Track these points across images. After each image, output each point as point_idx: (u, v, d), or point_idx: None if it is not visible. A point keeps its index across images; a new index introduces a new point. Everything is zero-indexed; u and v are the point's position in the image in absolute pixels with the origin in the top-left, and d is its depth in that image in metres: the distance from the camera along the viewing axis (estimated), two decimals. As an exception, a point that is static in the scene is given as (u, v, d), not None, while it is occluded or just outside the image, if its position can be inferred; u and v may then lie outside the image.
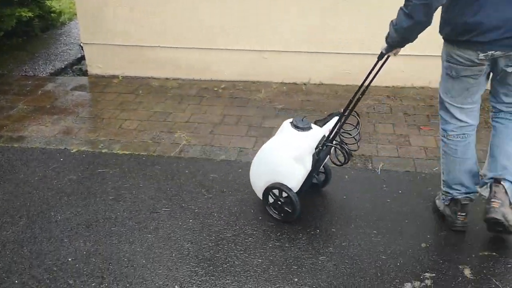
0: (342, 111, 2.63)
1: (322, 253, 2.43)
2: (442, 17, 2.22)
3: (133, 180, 3.08)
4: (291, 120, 2.64)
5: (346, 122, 2.62)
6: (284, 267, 2.36)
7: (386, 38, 2.26)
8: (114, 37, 4.61)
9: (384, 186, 2.94)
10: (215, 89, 4.44)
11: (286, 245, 2.50)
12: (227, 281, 2.29)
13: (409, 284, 2.22)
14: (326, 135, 2.58)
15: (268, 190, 2.63)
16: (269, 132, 3.62)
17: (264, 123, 3.80)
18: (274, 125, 3.73)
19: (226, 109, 4.04)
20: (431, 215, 2.67)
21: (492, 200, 2.23)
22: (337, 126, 2.60)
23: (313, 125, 2.63)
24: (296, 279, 2.28)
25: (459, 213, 2.44)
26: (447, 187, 2.49)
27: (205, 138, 3.58)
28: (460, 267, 2.31)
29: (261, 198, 2.70)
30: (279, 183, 2.58)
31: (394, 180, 2.99)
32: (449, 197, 2.49)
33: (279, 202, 2.61)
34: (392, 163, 3.18)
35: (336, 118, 2.64)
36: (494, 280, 2.22)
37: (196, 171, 3.17)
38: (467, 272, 2.28)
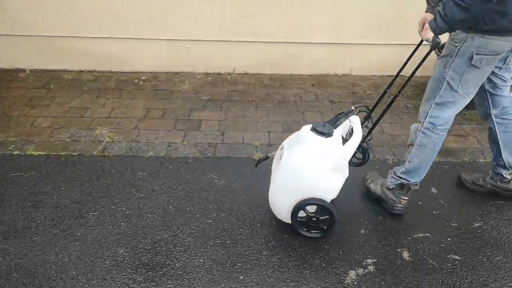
0: (354, 108, 2.48)
1: (265, 248, 2.37)
2: (492, 10, 2.08)
3: (52, 183, 2.81)
4: (309, 127, 2.30)
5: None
6: (228, 265, 2.27)
7: (432, 27, 2.11)
8: (19, 27, 4.18)
9: (319, 174, 2.94)
10: (136, 81, 4.21)
11: (228, 242, 2.41)
12: (168, 286, 2.15)
13: (353, 271, 2.24)
14: (350, 136, 2.37)
15: (300, 208, 2.33)
16: (198, 125, 3.50)
17: (192, 115, 3.65)
18: (202, 117, 3.61)
19: (150, 102, 3.84)
20: (366, 201, 2.71)
21: None
22: (371, 126, 2.50)
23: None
24: (241, 277, 2.20)
25: (403, 197, 2.52)
26: (406, 175, 2.52)
27: (130, 134, 3.37)
28: (399, 250, 2.36)
29: (286, 219, 2.42)
30: (317, 198, 2.30)
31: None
32: (399, 182, 2.54)
33: (314, 219, 2.35)
34: (324, 151, 3.19)
35: (356, 118, 2.44)
36: (430, 260, 2.30)
37: (123, 169, 2.97)
38: (405, 255, 2.34)
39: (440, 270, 2.24)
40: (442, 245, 2.40)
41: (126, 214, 2.59)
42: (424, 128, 2.42)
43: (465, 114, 3.71)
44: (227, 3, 4.10)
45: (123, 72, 4.34)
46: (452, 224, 2.54)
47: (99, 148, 3.18)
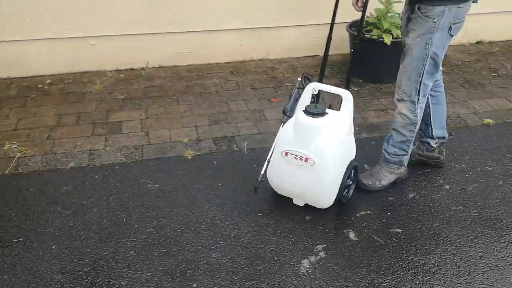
0: (301, 79, 2.58)
1: (214, 250, 2.29)
2: None
3: (-38, 212, 2.49)
4: (309, 119, 2.31)
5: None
6: (178, 274, 2.16)
7: None
8: None
9: (255, 165, 2.90)
10: (40, 86, 3.85)
11: (174, 249, 2.29)
12: (118, 308, 2.00)
13: (306, 260, 2.23)
14: None
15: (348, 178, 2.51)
16: (118, 127, 3.28)
17: (110, 117, 3.42)
18: (121, 118, 3.40)
19: (60, 108, 3.53)
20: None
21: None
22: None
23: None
24: (195, 285, 2.11)
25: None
26: (412, 146, 2.67)
27: (44, 146, 3.08)
28: (345, 231, 2.40)
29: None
30: (353, 163, 2.53)
31: (262, 158, 2.94)
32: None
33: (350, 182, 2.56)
34: (256, 141, 3.15)
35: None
36: (375, 237, 2.36)
37: (43, 186, 2.71)
38: (352, 235, 2.38)
39: (386, 245, 2.31)
40: (384, 220, 2.47)
41: (55, 236, 2.36)
42: (420, 104, 2.48)
43: (381, 88, 3.86)
44: (133, -6, 3.87)
45: (24, 78, 3.95)
46: (389, 199, 2.62)
47: (11, 166, 2.87)
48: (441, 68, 2.54)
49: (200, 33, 4.14)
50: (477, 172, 2.82)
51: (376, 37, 3.72)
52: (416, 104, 2.46)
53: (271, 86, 3.90)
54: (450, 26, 2.28)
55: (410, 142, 2.58)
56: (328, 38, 2.79)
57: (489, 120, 3.36)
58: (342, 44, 4.39)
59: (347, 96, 2.45)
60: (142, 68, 4.16)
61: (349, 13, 4.13)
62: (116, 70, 4.12)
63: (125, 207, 2.55)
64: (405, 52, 2.41)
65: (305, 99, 2.58)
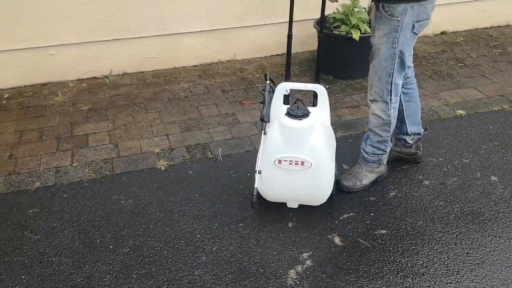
0: (269, 82, 2.49)
1: (196, 266, 2.19)
2: None
3: None
4: (294, 122, 2.24)
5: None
6: (160, 297, 2.05)
7: None
8: None
9: (232, 172, 2.81)
10: (-3, 101, 3.64)
11: (153, 269, 2.18)
12: (99, 338, 1.88)
13: (293, 270, 2.16)
14: None
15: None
16: (85, 141, 3.12)
17: (75, 130, 3.25)
18: (87, 130, 3.24)
19: (21, 124, 3.34)
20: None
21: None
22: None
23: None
24: (179, 307, 2.00)
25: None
26: (390, 145, 2.61)
27: (6, 166, 2.90)
28: (330, 236, 2.34)
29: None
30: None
31: (238, 164, 2.88)
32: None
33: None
34: (230, 146, 3.06)
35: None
36: (361, 240, 2.31)
37: (8, 210, 2.54)
38: (337, 240, 2.32)
39: (372, 248, 2.26)
40: (368, 221, 2.42)
41: (25, 264, 2.21)
42: (393, 104, 2.44)
43: (352, 84, 3.82)
44: (94, 0, 3.69)
45: (-21, 93, 3.73)
46: (371, 198, 2.58)
47: (-29, 190, 2.68)
48: (411, 65, 2.53)
49: (164, 37, 4.01)
50: (455, 166, 2.81)
51: (345, 33, 3.67)
52: (389, 104, 2.42)
53: (242, 88, 3.80)
54: (414, 24, 2.24)
55: (387, 141, 2.55)
56: (288, 35, 2.73)
57: (461, 111, 3.37)
58: (310, 41, 4.34)
59: (321, 90, 2.44)
60: (106, 76, 3.99)
61: (316, 10, 4.09)
62: (78, 80, 3.94)
63: (98, 227, 2.42)
64: (373, 52, 2.37)
65: (278, 100, 2.51)
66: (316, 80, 2.67)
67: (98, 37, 3.84)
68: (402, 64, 2.35)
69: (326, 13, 4.01)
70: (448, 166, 2.80)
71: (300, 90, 3.03)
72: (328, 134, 2.43)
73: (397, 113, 2.49)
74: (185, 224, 2.43)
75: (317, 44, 4.12)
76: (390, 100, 2.41)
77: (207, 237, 2.35)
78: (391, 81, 2.36)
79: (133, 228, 2.41)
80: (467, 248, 2.24)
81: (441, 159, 2.87)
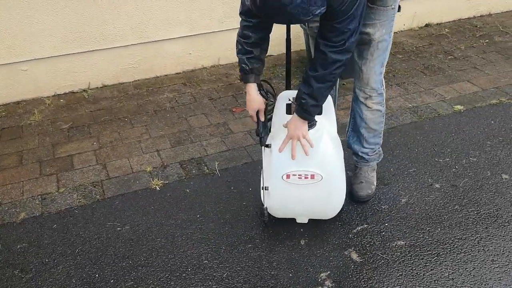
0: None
1: (208, 297, 2.02)
2: None
3: None
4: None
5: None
6: (174, 335, 1.87)
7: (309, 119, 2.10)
8: None
9: (232, 188, 2.64)
10: (-32, 123, 3.38)
11: (162, 304, 2.00)
12: None
13: (313, 293, 2.02)
14: None
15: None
16: (70, 163, 2.90)
17: (57, 151, 3.03)
18: (71, 151, 3.02)
19: (-3, 147, 3.10)
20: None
21: None
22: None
23: None
24: None
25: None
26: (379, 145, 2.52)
27: (-15, 196, 2.66)
28: (346, 252, 2.21)
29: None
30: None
31: (238, 178, 2.72)
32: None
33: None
34: (227, 159, 2.89)
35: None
36: (379, 254, 2.19)
37: (-8, 247, 2.32)
38: (354, 256, 2.19)
39: (393, 262, 2.14)
40: (383, 233, 2.30)
41: (17, 309, 2.00)
42: (383, 94, 2.34)
43: (344, 84, 3.70)
44: (66, 10, 3.46)
45: None
46: (382, 207, 2.46)
47: (-51, 227, 2.44)
48: None
49: (144, 45, 3.80)
50: (463, 165, 2.71)
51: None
52: (383, 95, 2.35)
53: (230, 95, 3.63)
54: (399, 5, 2.15)
55: (381, 133, 2.48)
56: (287, 40, 2.57)
57: (459, 107, 3.28)
58: (296, 41, 4.19)
59: (328, 99, 2.28)
60: (84, 90, 3.76)
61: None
62: (54, 96, 3.70)
63: (95, 260, 2.22)
64: (372, 47, 2.17)
65: (280, 110, 2.36)
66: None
67: (73, 49, 3.61)
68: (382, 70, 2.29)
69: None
70: (457, 167, 2.71)
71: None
72: (336, 143, 2.29)
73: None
74: (190, 249, 2.26)
75: (304, 44, 4.03)
76: (383, 90, 2.34)
77: (215, 262, 2.18)
78: (382, 71, 2.28)
79: (133, 258, 2.23)
80: (491, 255, 2.14)
81: (447, 159, 2.78)
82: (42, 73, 3.61)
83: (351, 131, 2.53)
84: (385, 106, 2.39)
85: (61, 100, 3.64)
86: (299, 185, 2.15)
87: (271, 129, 2.37)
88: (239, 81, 3.83)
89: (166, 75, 3.97)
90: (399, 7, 2.17)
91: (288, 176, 2.14)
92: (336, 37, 1.86)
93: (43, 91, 3.67)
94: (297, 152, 2.11)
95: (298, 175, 2.13)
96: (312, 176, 2.12)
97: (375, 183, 2.52)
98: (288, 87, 2.41)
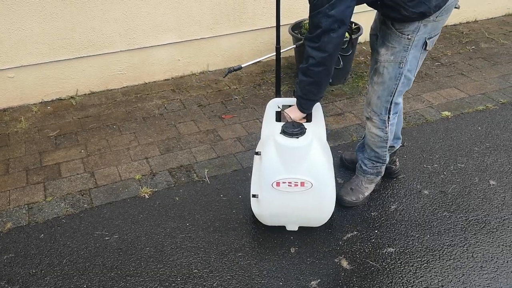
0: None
1: (198, 307, 2.00)
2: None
3: None
4: (292, 141, 2.08)
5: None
6: None
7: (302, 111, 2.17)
8: None
9: (222, 195, 2.63)
10: (-47, 131, 3.33)
11: (152, 315, 1.98)
12: None
13: (303, 302, 2.01)
14: None
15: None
16: (57, 171, 2.87)
17: (45, 160, 2.99)
18: (58, 159, 2.98)
19: (-17, 156, 3.05)
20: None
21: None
22: None
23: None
24: None
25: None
26: (387, 155, 2.46)
27: (-30, 206, 2.62)
28: (336, 260, 2.20)
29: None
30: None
31: (227, 186, 2.71)
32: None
33: None
34: (216, 166, 2.88)
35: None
36: (370, 262, 2.19)
37: (-22, 258, 2.28)
38: (344, 263, 2.19)
39: (383, 270, 2.14)
40: (373, 240, 2.30)
41: (4, 321, 1.97)
42: (391, 122, 2.29)
43: (332, 90, 3.72)
44: (54, 16, 3.43)
45: None
46: (372, 214, 2.46)
47: None
48: None
49: (132, 52, 3.78)
50: (451, 172, 2.73)
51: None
52: (387, 122, 2.28)
53: (219, 102, 3.63)
54: (425, 42, 2.06)
55: (386, 154, 2.42)
56: (276, 48, 2.58)
57: (447, 113, 3.31)
58: (284, 47, 4.20)
59: (317, 106, 2.29)
60: (72, 97, 3.73)
61: (291, 15, 3.97)
62: (41, 103, 3.66)
63: (83, 271, 2.19)
64: (377, 69, 2.18)
65: (270, 117, 2.37)
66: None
67: (60, 56, 3.58)
68: (409, 83, 2.20)
69: (299, 18, 3.93)
70: (445, 173, 2.73)
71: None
72: (326, 150, 2.29)
73: (394, 128, 2.37)
74: (180, 258, 2.24)
75: (293, 51, 4.04)
76: (388, 118, 2.27)
77: (205, 271, 2.17)
78: (391, 100, 2.21)
79: (122, 268, 2.20)
80: (480, 261, 2.15)
81: (436, 165, 2.79)
82: (29, 80, 3.58)
83: (362, 139, 2.54)
84: (388, 134, 2.32)
85: (49, 107, 3.61)
86: (289, 192, 2.14)
87: (261, 137, 2.37)
88: (228, 87, 3.83)
89: (154, 82, 3.95)
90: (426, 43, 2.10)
91: (278, 184, 2.13)
92: (311, 29, 1.90)
93: (30, 98, 3.63)
94: (286, 160, 2.11)
95: (288, 182, 2.13)
96: (302, 184, 2.12)
97: (365, 194, 2.50)
98: (278, 94, 2.41)
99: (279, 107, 2.35)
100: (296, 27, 3.81)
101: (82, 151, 3.07)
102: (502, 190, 2.56)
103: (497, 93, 3.56)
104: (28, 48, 3.46)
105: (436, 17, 2.00)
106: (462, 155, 2.87)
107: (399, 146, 2.59)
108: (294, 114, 2.17)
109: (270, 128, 2.32)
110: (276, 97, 2.41)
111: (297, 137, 2.10)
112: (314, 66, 1.95)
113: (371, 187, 2.52)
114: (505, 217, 2.38)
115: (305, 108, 2.16)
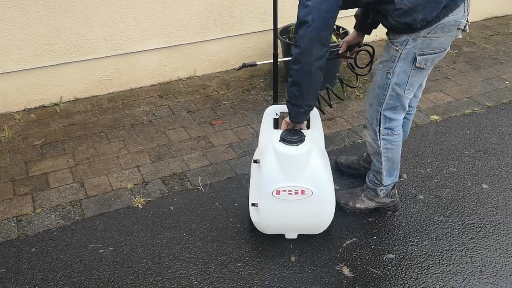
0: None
1: (201, 320, 1.96)
2: (405, 10, 1.89)
3: None
4: (290, 149, 2.06)
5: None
6: None
7: (294, 121, 2.11)
8: None
9: (217, 203, 2.60)
10: None
11: (154, 330, 1.93)
12: None
13: (307, 311, 1.99)
14: None
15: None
16: (45, 181, 2.79)
17: (31, 170, 2.90)
18: (45, 169, 2.90)
19: (-35, 166, 2.94)
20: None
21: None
22: None
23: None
24: None
25: (395, 193, 2.49)
26: (388, 179, 2.37)
27: (-45, 220, 2.52)
28: (337, 268, 2.19)
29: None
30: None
31: (222, 194, 2.67)
32: (390, 186, 2.42)
33: None
34: (210, 174, 2.84)
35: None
36: (371, 269, 2.19)
37: (-34, 275, 2.18)
38: (346, 271, 2.18)
39: (385, 277, 2.14)
40: (372, 246, 2.30)
41: None
42: (383, 136, 2.24)
43: (321, 95, 3.71)
44: (37, 21, 3.33)
45: None
46: (369, 220, 2.47)
47: None
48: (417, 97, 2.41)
49: (118, 57, 3.71)
50: (444, 176, 2.76)
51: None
52: (377, 134, 2.25)
53: (208, 107, 3.59)
54: (415, 57, 2.00)
55: (382, 174, 2.36)
56: (274, 55, 2.57)
57: (435, 117, 3.35)
58: (272, 51, 4.19)
59: (314, 112, 2.27)
60: (56, 104, 3.63)
61: (279, 19, 3.95)
62: (25, 110, 3.56)
63: (78, 285, 2.13)
64: (371, 76, 2.22)
65: (268, 124, 2.35)
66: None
67: (44, 62, 3.48)
68: (398, 99, 2.12)
69: (287, 22, 3.92)
70: (438, 177, 2.75)
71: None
72: (324, 157, 2.28)
73: (395, 147, 2.28)
74: (178, 270, 2.20)
75: (282, 55, 4.04)
76: (379, 130, 2.24)
77: (205, 283, 2.13)
78: (380, 112, 2.18)
79: (119, 281, 2.15)
80: (479, 265, 2.17)
81: (429, 169, 2.82)
82: (11, 87, 3.47)
83: None
84: (380, 148, 2.27)
85: (32, 115, 3.50)
86: (289, 201, 2.13)
87: (259, 144, 2.35)
88: (216, 92, 3.79)
89: (141, 87, 3.88)
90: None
91: (278, 192, 2.11)
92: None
93: (13, 106, 3.52)
94: (286, 167, 2.09)
95: (289, 191, 2.11)
96: (302, 192, 2.10)
97: (357, 205, 2.46)
98: (275, 102, 2.39)
99: (277, 114, 2.33)
100: (284, 32, 3.80)
101: (70, 160, 2.99)
102: (494, 194, 2.60)
103: (482, 96, 3.63)
104: (10, 54, 3.35)
105: (428, 34, 1.94)
106: (453, 159, 2.90)
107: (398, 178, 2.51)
108: (288, 119, 2.14)
109: (268, 135, 2.30)
110: (273, 104, 2.39)
111: (297, 145, 2.08)
112: (292, 64, 1.91)
113: (369, 203, 2.46)
114: (500, 221, 2.42)
115: (293, 116, 2.07)
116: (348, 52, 2.42)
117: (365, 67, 2.41)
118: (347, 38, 2.39)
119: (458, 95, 3.65)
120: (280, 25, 3.84)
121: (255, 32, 4.05)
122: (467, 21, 1.99)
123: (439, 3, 1.89)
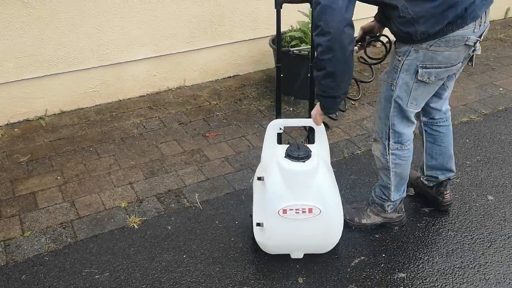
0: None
1: None
2: (407, 21, 1.82)
3: None
4: (296, 165, 1.99)
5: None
6: None
7: (325, 111, 2.03)
8: None
9: (217, 222, 2.49)
10: None
11: None
12: None
13: (320, 338, 1.89)
14: None
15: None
16: (33, 201, 2.64)
17: (18, 188, 2.75)
18: (33, 188, 2.75)
19: None
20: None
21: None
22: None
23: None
24: None
25: (402, 207, 2.41)
26: (396, 194, 2.29)
27: None
28: (347, 289, 2.11)
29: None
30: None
31: (221, 211, 2.56)
32: (398, 201, 2.34)
33: None
34: (207, 190, 2.73)
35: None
36: (381, 288, 2.10)
37: (-50, 308, 2.02)
38: (356, 292, 2.09)
39: (397, 297, 2.06)
40: (382, 265, 2.22)
41: None
42: (392, 150, 2.16)
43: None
44: (20, 32, 3.18)
45: None
46: (376, 236, 2.39)
47: None
48: (446, 107, 2.32)
49: (105, 68, 3.57)
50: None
51: (307, 52, 3.47)
52: (387, 148, 2.17)
53: (201, 118, 3.47)
54: (417, 70, 1.92)
55: (390, 190, 2.28)
56: (277, 67, 2.47)
57: (433, 126, 3.30)
58: (263, 60, 4.12)
59: (319, 126, 2.19)
60: (41, 117, 3.48)
61: (270, 27, 3.88)
62: (8, 125, 3.39)
63: (75, 316, 1.99)
64: (378, 87, 2.15)
65: (271, 140, 2.25)
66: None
67: (28, 74, 3.33)
68: (401, 113, 2.06)
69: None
70: (442, 189, 2.69)
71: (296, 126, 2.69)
72: (331, 173, 2.20)
73: (404, 162, 2.21)
74: (180, 295, 2.08)
75: (274, 63, 3.95)
76: (388, 145, 2.16)
77: (210, 309, 2.02)
78: (389, 125, 2.11)
79: (118, 310, 2.02)
80: (493, 283, 2.11)
81: (432, 181, 2.75)
82: (-7, 101, 3.31)
83: None
84: (389, 163, 2.19)
85: (16, 130, 3.34)
86: (296, 220, 2.03)
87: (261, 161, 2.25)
88: (208, 103, 3.68)
89: (129, 99, 3.75)
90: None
91: (284, 211, 2.02)
92: (313, 14, 1.79)
93: (-5, 120, 3.36)
94: (292, 185, 2.00)
95: (296, 209, 2.01)
96: (310, 210, 2.01)
97: (363, 221, 2.38)
98: (278, 116, 2.30)
99: (280, 129, 2.24)
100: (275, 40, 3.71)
101: (58, 177, 2.84)
102: (501, 206, 2.55)
103: (478, 104, 3.60)
104: (-8, 66, 3.19)
105: (430, 46, 1.87)
106: (455, 170, 2.84)
107: (445, 178, 2.45)
108: (316, 109, 2.04)
109: (272, 151, 2.20)
110: (276, 118, 2.29)
111: (303, 161, 2.00)
112: (322, 54, 1.78)
113: (375, 218, 2.38)
114: (509, 234, 2.36)
115: (328, 108, 1.99)
116: (361, 43, 2.32)
117: (378, 58, 2.33)
118: (364, 25, 2.29)
119: (453, 103, 3.60)
120: (272, 32, 3.78)
121: (245, 40, 3.96)
122: (479, 37, 1.92)
123: (443, 19, 1.81)
